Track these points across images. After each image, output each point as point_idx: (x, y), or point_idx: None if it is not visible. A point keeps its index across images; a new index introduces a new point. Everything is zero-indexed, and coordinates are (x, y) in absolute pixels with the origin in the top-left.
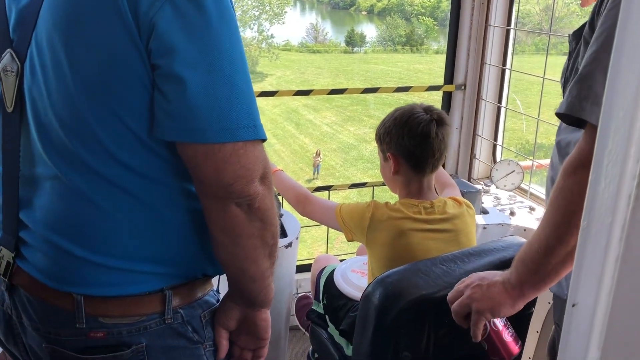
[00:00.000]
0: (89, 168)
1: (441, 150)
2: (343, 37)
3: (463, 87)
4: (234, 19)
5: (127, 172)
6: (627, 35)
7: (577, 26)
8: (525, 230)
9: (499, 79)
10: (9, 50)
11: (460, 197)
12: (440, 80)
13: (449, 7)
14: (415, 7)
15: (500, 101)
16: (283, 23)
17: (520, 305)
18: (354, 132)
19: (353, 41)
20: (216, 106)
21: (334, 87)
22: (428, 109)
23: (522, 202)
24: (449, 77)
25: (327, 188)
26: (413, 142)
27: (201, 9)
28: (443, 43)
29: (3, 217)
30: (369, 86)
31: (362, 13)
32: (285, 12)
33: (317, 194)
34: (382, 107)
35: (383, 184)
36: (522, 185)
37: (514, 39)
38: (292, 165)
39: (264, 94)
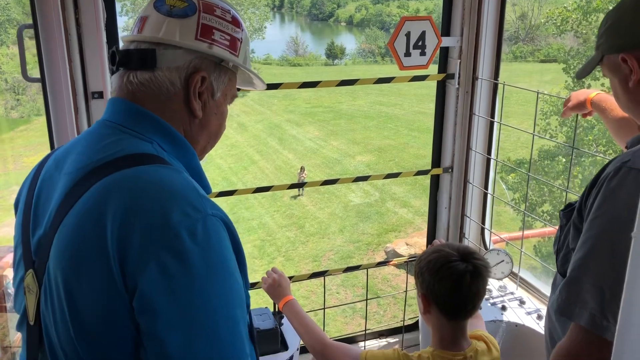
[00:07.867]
0: None
1: (474, 302)
2: (323, 49)
3: (450, 170)
4: (225, 266)
5: None
6: None
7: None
8: (517, 326)
9: (484, 165)
10: (30, 270)
11: (489, 338)
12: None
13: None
14: (394, 18)
15: (486, 187)
16: (263, 38)
17: None
18: (338, 146)
19: (333, 54)
20: None
21: (316, 100)
22: (465, 256)
23: (512, 293)
24: (437, 160)
25: (322, 274)
26: (445, 292)
27: (187, 266)
28: None
29: None
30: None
31: (342, 24)
32: (265, 27)
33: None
34: (364, 121)
35: (375, 266)
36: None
37: (499, 130)
38: (276, 181)
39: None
